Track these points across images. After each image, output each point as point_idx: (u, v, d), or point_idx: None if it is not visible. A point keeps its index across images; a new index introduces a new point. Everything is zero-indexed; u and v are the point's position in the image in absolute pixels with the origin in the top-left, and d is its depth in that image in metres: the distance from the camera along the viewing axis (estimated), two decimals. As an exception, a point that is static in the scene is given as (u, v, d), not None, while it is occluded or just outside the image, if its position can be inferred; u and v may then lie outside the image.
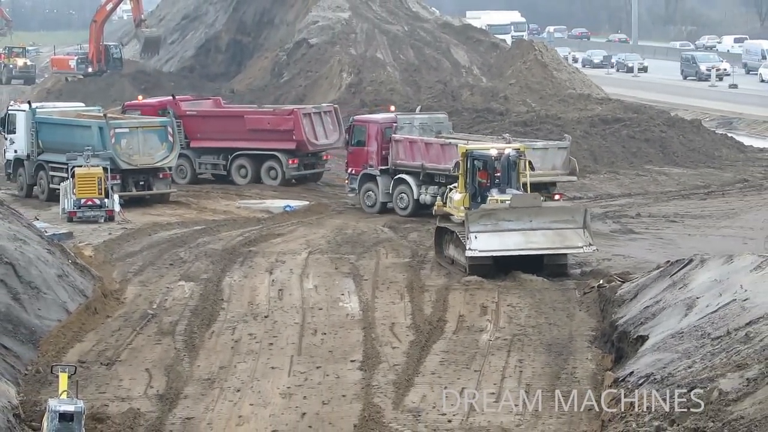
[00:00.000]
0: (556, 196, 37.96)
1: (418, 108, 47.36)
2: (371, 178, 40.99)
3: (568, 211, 32.05)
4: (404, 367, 23.71)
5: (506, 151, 33.12)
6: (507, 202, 31.81)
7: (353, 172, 41.60)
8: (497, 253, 30.96)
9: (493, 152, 33.16)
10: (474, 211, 32.22)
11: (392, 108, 45.68)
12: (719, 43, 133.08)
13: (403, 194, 40.14)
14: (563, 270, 31.47)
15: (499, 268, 31.13)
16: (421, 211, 39.52)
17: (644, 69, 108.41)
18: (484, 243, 30.87)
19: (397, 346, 25.26)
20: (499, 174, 32.91)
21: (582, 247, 31.21)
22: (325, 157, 48.76)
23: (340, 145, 48.87)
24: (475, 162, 33.26)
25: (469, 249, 30.84)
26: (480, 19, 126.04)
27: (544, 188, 37.54)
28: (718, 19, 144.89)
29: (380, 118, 42.26)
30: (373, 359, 24.25)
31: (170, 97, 50.21)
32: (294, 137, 46.76)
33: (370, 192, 41.08)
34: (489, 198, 32.64)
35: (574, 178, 39.77)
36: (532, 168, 35.21)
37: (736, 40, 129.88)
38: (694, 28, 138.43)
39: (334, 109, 49.62)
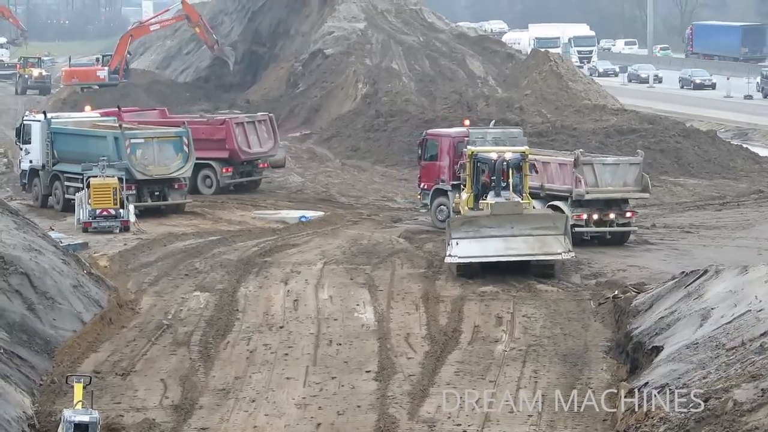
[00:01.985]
0: (628, 214, 37.00)
1: (492, 122, 46.10)
2: (443, 193, 39.51)
3: (550, 218, 32.81)
4: (419, 378, 23.71)
5: (506, 155, 33.70)
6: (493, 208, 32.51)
7: (425, 187, 40.11)
8: (477, 259, 31.68)
9: (494, 156, 33.89)
10: (456, 217, 33.38)
11: (467, 122, 44.18)
12: (613, 45, 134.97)
13: None
14: (550, 272, 32.13)
15: (486, 270, 31.84)
16: None
17: (712, 86, 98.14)
18: (464, 249, 31.61)
19: (412, 356, 25.26)
20: (498, 177, 33.52)
21: (561, 254, 31.82)
22: (261, 166, 49.44)
23: (274, 154, 49.84)
24: (479, 164, 33.92)
25: (449, 255, 31.74)
26: (528, 31, 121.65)
27: (615, 205, 36.85)
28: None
29: (453, 132, 40.84)
30: (388, 370, 24.26)
31: (116, 108, 50.83)
32: (226, 146, 47.58)
33: (443, 207, 39.45)
34: (481, 201, 33.48)
35: (647, 195, 38.07)
36: (535, 171, 35.52)
37: (627, 43, 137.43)
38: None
39: (270, 118, 50.40)
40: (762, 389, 18.06)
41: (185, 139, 43.26)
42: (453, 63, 78.38)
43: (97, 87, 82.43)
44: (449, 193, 39.38)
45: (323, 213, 43.32)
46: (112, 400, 22.41)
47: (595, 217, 36.66)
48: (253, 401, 22.51)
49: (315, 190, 49.73)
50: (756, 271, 24.07)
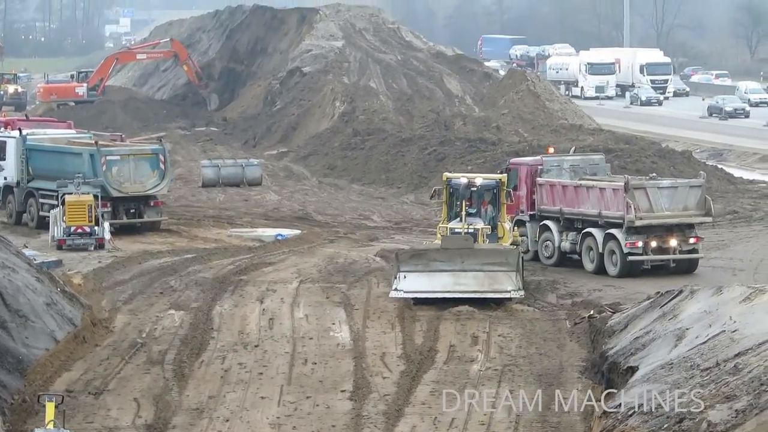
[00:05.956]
0: (692, 240, 35.45)
1: (572, 149, 44.42)
2: (523, 224, 37.79)
3: (502, 254, 31.67)
4: (394, 398, 23.64)
5: (476, 181, 33.49)
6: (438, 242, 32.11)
7: (508, 218, 37.94)
8: (422, 294, 30.84)
9: (464, 181, 33.59)
10: (405, 249, 32.70)
11: (551, 150, 42.20)
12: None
13: (547, 242, 37.17)
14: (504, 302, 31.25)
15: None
16: (566, 260, 36.93)
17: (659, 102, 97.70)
18: (411, 284, 30.91)
19: (387, 376, 25.20)
20: (462, 203, 33.11)
21: (510, 291, 30.83)
22: None
23: None
24: (452, 190, 33.70)
25: (395, 289, 30.98)
26: (578, 56, 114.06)
27: (677, 231, 35.28)
28: (708, 51, 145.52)
29: (530, 160, 39.19)
30: (363, 389, 24.19)
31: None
32: None
33: (523, 237, 37.29)
34: (440, 226, 33.42)
35: (710, 219, 36.20)
36: (510, 199, 35.02)
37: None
38: (684, 60, 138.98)
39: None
40: (736, 410, 18.06)
41: (161, 157, 43.16)
42: (430, 82, 78.55)
43: (74, 104, 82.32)
44: (527, 224, 37.71)
45: (300, 231, 43.24)
46: (84, 420, 22.26)
47: (654, 244, 35.04)
48: (227, 421, 22.39)
49: (291, 209, 49.66)
50: (731, 291, 24.10)
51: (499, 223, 33.81)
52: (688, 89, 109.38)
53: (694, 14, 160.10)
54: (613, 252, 35.36)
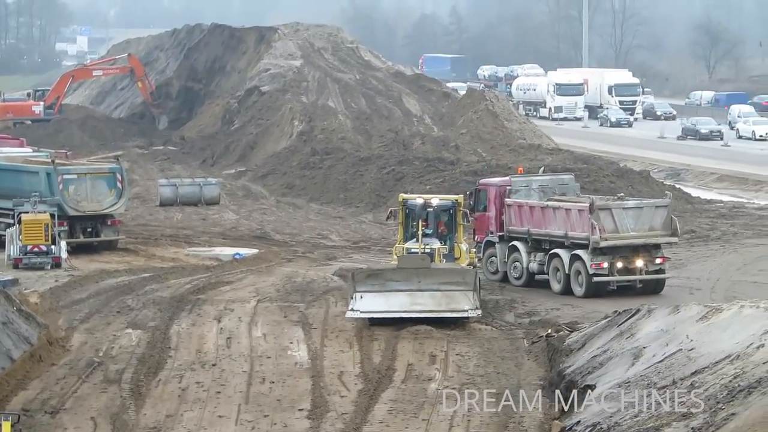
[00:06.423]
0: (658, 260, 35.53)
1: (541, 169, 44.00)
2: (493, 244, 37.91)
3: (459, 273, 31.66)
4: (352, 416, 23.61)
5: (432, 201, 33.53)
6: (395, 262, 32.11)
7: (479, 239, 38.23)
8: (379, 315, 30.72)
9: (420, 201, 33.61)
10: (361, 269, 32.58)
11: (521, 170, 41.94)
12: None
13: (516, 263, 37.12)
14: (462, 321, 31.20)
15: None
16: (534, 281, 37.06)
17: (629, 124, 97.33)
18: (367, 303, 30.75)
19: (345, 395, 25.16)
20: (418, 224, 33.10)
21: (467, 311, 30.76)
22: None
23: None
24: (408, 211, 33.69)
25: (351, 309, 30.76)
26: (546, 76, 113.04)
27: (644, 251, 35.32)
28: (666, 71, 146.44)
29: (499, 181, 39.08)
30: (321, 408, 24.14)
31: None
32: None
33: (493, 258, 37.81)
34: (396, 246, 33.41)
35: (676, 239, 36.37)
36: (466, 220, 35.07)
37: None
38: (643, 80, 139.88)
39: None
40: (692, 428, 18.15)
41: (119, 176, 43.00)
42: (389, 101, 78.69)
43: (30, 122, 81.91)
44: (497, 245, 37.73)
45: (258, 250, 43.17)
46: (40, 439, 22.11)
47: (620, 265, 35.13)
48: (185, 440, 22.30)
49: (249, 228, 49.58)
50: (687, 310, 24.25)
51: (455, 244, 33.81)
52: (675, 112, 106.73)
53: (652, 34, 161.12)
54: (579, 273, 35.42)
